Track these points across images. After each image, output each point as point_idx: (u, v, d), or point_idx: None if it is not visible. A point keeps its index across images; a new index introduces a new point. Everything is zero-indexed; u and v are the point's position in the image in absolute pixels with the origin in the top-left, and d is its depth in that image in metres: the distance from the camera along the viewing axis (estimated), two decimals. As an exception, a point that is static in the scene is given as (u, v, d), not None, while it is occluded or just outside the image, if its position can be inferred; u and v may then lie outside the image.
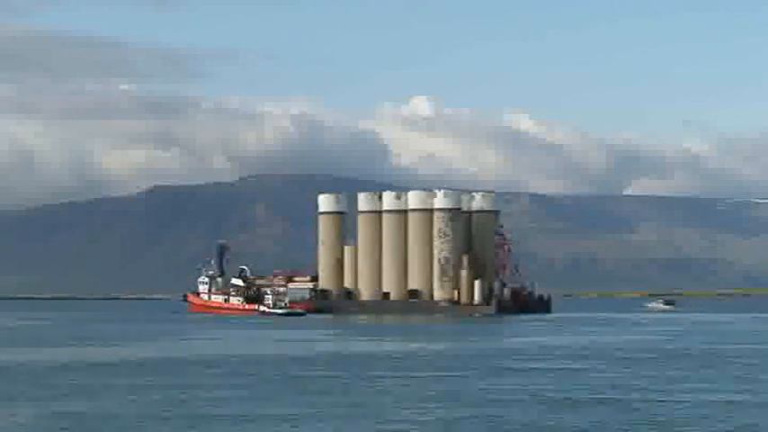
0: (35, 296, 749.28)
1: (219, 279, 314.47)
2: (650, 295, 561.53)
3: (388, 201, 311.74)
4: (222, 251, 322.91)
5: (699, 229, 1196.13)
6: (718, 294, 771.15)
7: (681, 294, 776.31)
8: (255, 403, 67.56)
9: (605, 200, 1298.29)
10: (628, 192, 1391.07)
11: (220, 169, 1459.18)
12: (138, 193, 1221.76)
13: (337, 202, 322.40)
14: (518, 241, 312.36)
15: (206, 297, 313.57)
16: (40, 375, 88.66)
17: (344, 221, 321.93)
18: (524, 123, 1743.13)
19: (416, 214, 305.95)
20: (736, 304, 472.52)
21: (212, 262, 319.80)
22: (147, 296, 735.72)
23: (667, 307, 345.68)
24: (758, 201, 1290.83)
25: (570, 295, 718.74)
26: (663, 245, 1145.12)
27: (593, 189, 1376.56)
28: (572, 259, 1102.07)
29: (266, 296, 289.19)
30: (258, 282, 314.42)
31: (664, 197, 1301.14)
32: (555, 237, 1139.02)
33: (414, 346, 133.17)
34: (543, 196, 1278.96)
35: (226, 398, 70.29)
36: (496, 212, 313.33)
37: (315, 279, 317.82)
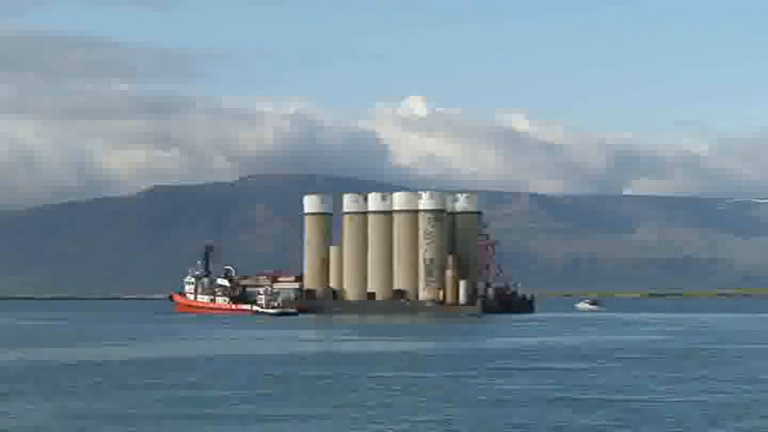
0: (35, 296, 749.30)
1: (205, 279, 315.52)
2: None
3: (374, 202, 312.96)
4: (208, 251, 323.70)
5: (699, 229, 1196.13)
6: (718, 294, 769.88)
7: (681, 294, 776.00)
8: (258, 403, 68.40)
9: (605, 200, 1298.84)
10: (628, 192, 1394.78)
11: (220, 169, 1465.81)
12: (138, 193, 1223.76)
13: (322, 202, 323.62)
14: (498, 241, 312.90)
15: (192, 297, 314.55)
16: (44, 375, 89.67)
17: (330, 222, 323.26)
18: (524, 123, 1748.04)
19: (402, 215, 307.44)
20: (734, 304, 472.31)
21: (199, 262, 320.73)
22: (147, 296, 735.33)
23: (593, 307, 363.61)
24: (758, 201, 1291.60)
25: (570, 295, 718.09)
26: (663, 245, 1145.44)
27: (593, 189, 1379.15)
28: (572, 259, 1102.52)
29: (258, 296, 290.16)
30: (243, 282, 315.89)
31: (664, 197, 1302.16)
32: (555, 237, 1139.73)
33: (419, 345, 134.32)
34: (543, 196, 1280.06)
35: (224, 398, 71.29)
36: (480, 213, 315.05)
37: (300, 279, 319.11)
